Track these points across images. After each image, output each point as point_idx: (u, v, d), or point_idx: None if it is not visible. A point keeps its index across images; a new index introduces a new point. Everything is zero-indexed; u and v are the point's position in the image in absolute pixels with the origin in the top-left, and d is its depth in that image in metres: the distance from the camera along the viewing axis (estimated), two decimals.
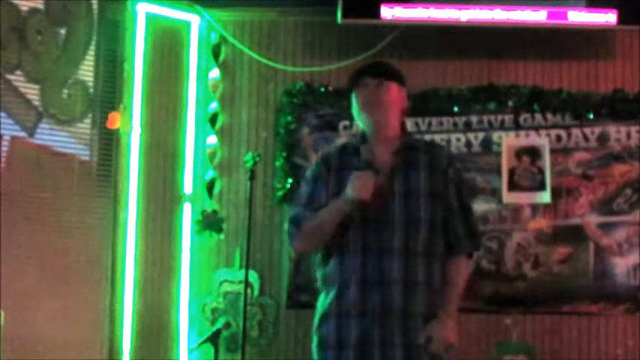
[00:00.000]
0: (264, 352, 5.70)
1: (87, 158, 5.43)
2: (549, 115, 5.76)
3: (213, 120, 5.85)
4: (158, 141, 5.68)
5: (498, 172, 5.72)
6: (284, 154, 5.76)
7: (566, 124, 5.76)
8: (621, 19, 5.55)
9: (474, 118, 5.77)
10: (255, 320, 5.69)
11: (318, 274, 3.16)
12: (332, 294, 3.06)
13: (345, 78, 5.85)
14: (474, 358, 5.47)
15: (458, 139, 5.74)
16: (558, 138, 5.75)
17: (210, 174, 5.82)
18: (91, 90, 5.45)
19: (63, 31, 5.35)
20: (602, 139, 5.74)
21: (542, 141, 5.74)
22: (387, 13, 5.58)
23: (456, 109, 5.76)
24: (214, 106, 5.87)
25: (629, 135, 5.74)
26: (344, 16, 5.55)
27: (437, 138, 5.72)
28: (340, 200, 3.01)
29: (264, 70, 5.86)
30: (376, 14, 5.58)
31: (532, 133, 5.76)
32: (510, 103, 5.77)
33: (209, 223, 5.74)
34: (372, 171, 3.01)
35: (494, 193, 5.71)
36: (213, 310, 5.71)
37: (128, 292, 5.46)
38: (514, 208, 5.72)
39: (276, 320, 5.73)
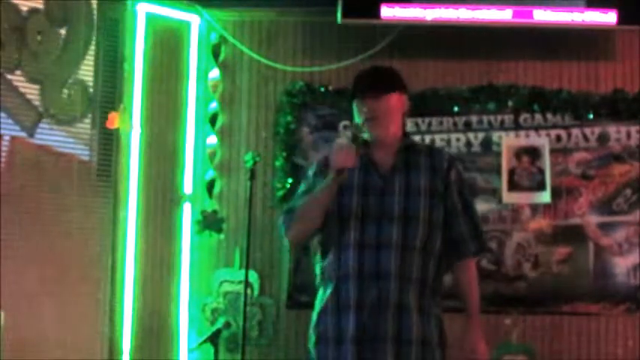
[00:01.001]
0: (264, 352, 5.70)
1: (87, 158, 5.43)
2: (549, 115, 5.76)
3: (213, 120, 5.86)
4: (158, 141, 5.69)
5: (498, 172, 5.72)
6: (284, 154, 5.76)
7: (566, 124, 5.76)
8: (621, 19, 5.55)
9: (473, 118, 5.77)
10: (255, 320, 5.69)
11: (317, 270, 3.18)
12: (329, 289, 3.10)
13: (345, 78, 5.92)
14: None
15: (458, 139, 5.74)
16: (558, 138, 5.75)
17: (210, 174, 5.83)
18: (91, 90, 5.45)
19: (63, 31, 5.34)
20: (602, 139, 5.74)
21: (542, 141, 5.74)
22: (387, 13, 5.58)
23: (455, 109, 5.76)
24: (214, 106, 5.87)
25: (629, 135, 5.74)
26: (344, 16, 5.55)
27: (437, 138, 5.72)
28: (325, 180, 3.04)
29: (264, 70, 5.86)
30: (376, 14, 5.57)
31: (532, 133, 5.76)
32: (510, 103, 5.77)
33: (209, 223, 5.74)
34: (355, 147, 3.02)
35: (494, 193, 5.71)
36: (213, 310, 5.71)
37: (128, 292, 5.46)
38: (514, 208, 5.72)
39: (276, 320, 5.73)
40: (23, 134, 5.16)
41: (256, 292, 5.70)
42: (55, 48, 5.30)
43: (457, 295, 3.17)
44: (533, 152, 5.72)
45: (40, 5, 5.24)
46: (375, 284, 3.01)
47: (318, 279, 3.19)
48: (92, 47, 5.45)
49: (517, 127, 5.77)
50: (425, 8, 5.58)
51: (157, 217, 5.64)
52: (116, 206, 5.49)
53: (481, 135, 5.76)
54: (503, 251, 5.70)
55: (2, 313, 4.68)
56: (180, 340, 5.65)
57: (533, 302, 5.66)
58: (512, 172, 5.71)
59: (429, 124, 5.76)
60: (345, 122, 5.76)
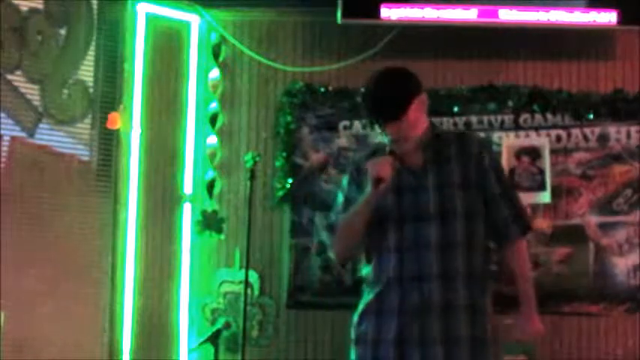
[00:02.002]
0: (264, 352, 5.70)
1: (87, 158, 5.43)
2: (549, 115, 5.76)
3: (213, 120, 5.85)
4: (158, 141, 5.68)
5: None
6: (284, 154, 5.76)
7: (566, 124, 5.76)
8: (621, 19, 5.55)
9: (473, 118, 5.77)
10: (255, 320, 5.69)
11: (362, 273, 3.17)
12: (372, 293, 3.07)
13: (345, 78, 5.93)
14: None
15: None
16: (558, 138, 5.75)
17: (210, 174, 5.82)
18: (91, 90, 5.45)
19: (63, 31, 5.34)
20: (602, 139, 5.73)
21: (542, 141, 5.73)
22: (387, 13, 5.58)
23: (455, 109, 5.76)
24: (214, 106, 5.87)
25: (629, 135, 5.74)
26: (344, 16, 5.55)
27: None
28: (365, 194, 3.01)
29: (264, 70, 5.86)
30: (376, 14, 5.57)
31: (532, 133, 5.76)
32: (510, 103, 5.76)
33: (209, 223, 5.74)
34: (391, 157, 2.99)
35: None
36: (213, 311, 5.71)
37: (128, 292, 5.45)
38: None
39: (276, 320, 5.73)
40: (23, 134, 5.16)
41: (256, 292, 5.70)
42: (55, 48, 5.31)
43: (509, 280, 3.14)
44: (533, 152, 5.72)
45: (40, 5, 5.24)
46: (417, 287, 2.99)
47: (363, 286, 3.16)
48: (92, 47, 5.45)
49: (517, 127, 5.77)
50: (425, 8, 5.58)
51: (157, 217, 5.64)
52: (116, 206, 5.49)
53: (481, 135, 5.76)
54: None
55: (2, 313, 4.68)
56: (180, 340, 5.65)
57: None
58: (512, 172, 5.70)
59: None
60: (345, 122, 5.76)
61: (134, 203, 5.54)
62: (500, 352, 3.08)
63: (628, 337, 5.64)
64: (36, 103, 5.21)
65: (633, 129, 5.73)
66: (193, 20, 5.81)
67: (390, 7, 5.57)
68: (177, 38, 5.78)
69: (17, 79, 5.14)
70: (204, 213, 5.74)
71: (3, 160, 5.06)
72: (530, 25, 5.60)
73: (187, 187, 5.75)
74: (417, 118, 3.08)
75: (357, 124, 5.76)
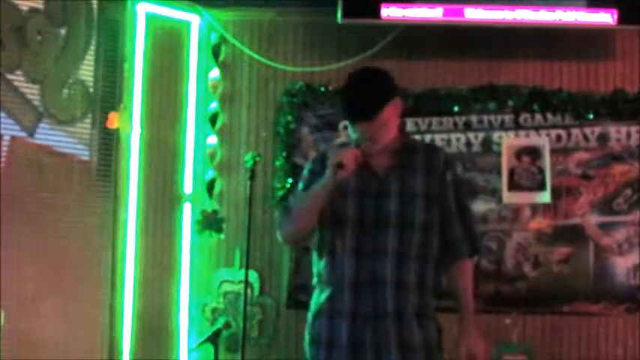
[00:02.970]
0: (264, 352, 5.70)
1: (87, 158, 5.43)
2: (549, 115, 5.76)
3: (213, 120, 5.86)
4: (158, 141, 5.69)
5: (498, 172, 5.72)
6: (284, 154, 5.76)
7: (566, 124, 5.76)
8: (621, 19, 5.55)
9: (473, 118, 5.77)
10: (255, 320, 5.69)
11: (314, 270, 3.17)
12: (325, 294, 3.09)
13: (345, 78, 5.89)
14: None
15: (458, 139, 5.74)
16: (558, 138, 5.75)
17: (210, 174, 5.83)
18: (91, 90, 5.45)
19: (63, 31, 5.34)
20: (602, 139, 5.73)
21: (542, 141, 5.73)
22: (387, 13, 5.58)
23: (456, 109, 5.76)
24: (214, 106, 5.87)
25: (629, 135, 5.74)
26: (344, 16, 5.55)
27: (437, 138, 5.72)
28: (324, 178, 3.00)
29: (264, 70, 5.87)
30: (376, 14, 5.57)
31: (532, 133, 5.76)
32: (510, 103, 5.76)
33: (209, 223, 5.74)
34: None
35: (494, 193, 5.71)
36: (213, 310, 5.71)
37: (128, 292, 5.46)
38: (514, 208, 5.72)
39: (276, 320, 5.73)
40: (23, 134, 5.16)
41: (256, 292, 5.70)
42: (55, 48, 5.31)
43: (452, 295, 3.15)
44: (533, 152, 5.72)
45: (40, 5, 5.24)
46: (371, 292, 2.99)
47: (314, 280, 3.18)
48: (92, 47, 5.45)
49: (517, 127, 5.77)
50: (425, 8, 5.58)
51: (157, 217, 5.65)
52: (116, 206, 5.49)
53: (481, 135, 5.76)
54: (504, 251, 5.70)
55: (2, 313, 4.68)
56: (180, 340, 5.65)
57: (533, 302, 5.65)
58: (512, 172, 5.70)
59: (429, 124, 5.76)
60: (345, 122, 5.75)
61: (134, 203, 5.54)
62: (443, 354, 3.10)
63: (628, 337, 5.64)
64: (36, 103, 5.21)
65: (633, 129, 5.73)
66: (193, 20, 5.81)
67: (390, 7, 5.57)
68: (177, 38, 5.79)
69: (17, 79, 5.14)
70: (204, 213, 5.74)
71: (3, 160, 5.06)
72: (530, 25, 5.60)
73: (187, 187, 5.76)
74: (390, 121, 3.04)
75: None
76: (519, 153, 5.73)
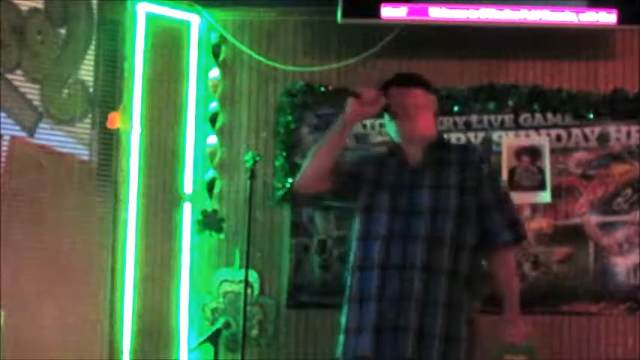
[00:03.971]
0: (264, 352, 5.70)
1: (87, 158, 5.43)
2: (549, 115, 5.76)
3: (213, 120, 5.85)
4: (158, 141, 5.69)
5: (498, 172, 5.71)
6: (284, 153, 5.76)
7: (566, 124, 5.76)
8: (621, 19, 5.55)
9: (473, 118, 5.77)
10: (255, 320, 5.69)
11: (348, 260, 3.22)
12: (354, 278, 3.13)
13: (345, 78, 5.93)
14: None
15: (458, 139, 5.74)
16: (558, 138, 5.75)
17: (210, 174, 5.83)
18: (91, 90, 5.45)
19: (63, 31, 5.34)
20: (602, 139, 5.73)
21: (542, 141, 5.74)
22: (387, 13, 5.58)
23: (456, 108, 5.76)
24: (214, 105, 5.87)
25: (629, 135, 5.74)
26: (344, 16, 5.55)
27: None
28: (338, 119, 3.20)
29: (264, 70, 5.86)
30: (376, 14, 5.57)
31: (532, 133, 5.76)
32: (510, 103, 5.76)
33: (209, 222, 5.74)
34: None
35: None
36: (213, 310, 5.71)
37: (128, 292, 5.46)
38: None
39: (276, 320, 5.73)
40: (23, 134, 5.17)
41: (256, 292, 5.70)
42: (55, 48, 5.31)
43: (495, 288, 3.15)
44: (533, 152, 5.72)
45: (40, 5, 5.24)
46: (399, 275, 3.02)
47: (347, 268, 3.22)
48: (92, 47, 5.45)
49: (517, 127, 5.77)
50: (425, 8, 5.58)
51: (157, 216, 5.64)
52: (116, 206, 5.49)
53: (481, 135, 5.76)
54: None
55: (2, 313, 4.68)
56: (180, 340, 5.65)
57: (533, 302, 5.65)
58: (512, 172, 5.70)
59: None
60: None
61: (134, 203, 5.54)
62: (475, 350, 3.08)
63: (628, 337, 5.64)
64: (36, 102, 5.21)
65: (633, 129, 5.73)
66: (193, 20, 5.81)
67: (390, 7, 5.57)
68: (178, 38, 5.79)
69: (17, 79, 5.14)
70: (204, 212, 5.74)
71: (3, 160, 5.06)
72: (530, 25, 5.60)
73: (187, 187, 5.76)
74: (424, 106, 3.21)
75: (357, 124, 5.76)
76: (519, 153, 5.73)
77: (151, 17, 5.65)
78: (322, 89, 5.80)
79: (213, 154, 5.84)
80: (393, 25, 5.67)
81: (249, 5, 5.85)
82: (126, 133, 5.51)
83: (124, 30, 5.57)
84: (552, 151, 5.72)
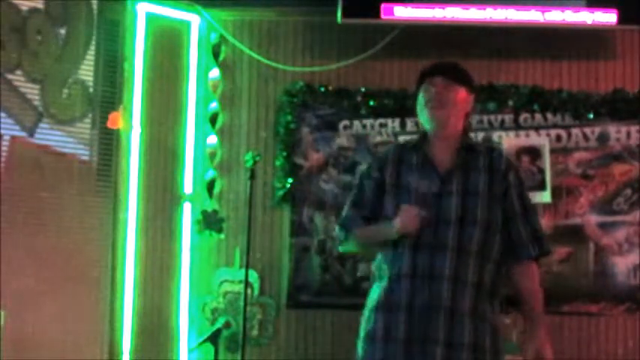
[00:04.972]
0: (264, 352, 5.70)
1: (87, 158, 5.43)
2: (549, 115, 5.76)
3: (213, 120, 5.86)
4: (158, 141, 5.69)
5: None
6: (284, 153, 5.76)
7: (566, 124, 5.76)
8: (621, 19, 5.55)
9: (473, 118, 5.76)
10: (255, 320, 5.69)
11: (373, 266, 3.20)
12: (382, 287, 3.09)
13: (345, 78, 5.92)
14: None
15: None
16: (558, 138, 5.75)
17: (210, 174, 5.83)
18: (91, 90, 5.45)
19: (63, 31, 5.35)
20: (602, 139, 5.73)
21: (542, 141, 5.74)
22: (387, 13, 5.58)
23: None
24: (214, 105, 5.87)
25: (629, 135, 5.74)
26: (344, 16, 5.55)
27: None
28: (388, 228, 3.05)
29: (264, 70, 5.87)
30: (376, 14, 5.58)
31: (532, 133, 5.76)
32: (510, 103, 5.77)
33: (209, 222, 5.74)
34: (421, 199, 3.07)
35: None
36: (213, 310, 5.71)
37: (128, 292, 5.46)
38: None
39: (276, 320, 5.73)
40: (23, 134, 5.17)
41: (256, 292, 5.70)
42: (55, 48, 5.31)
43: (518, 299, 3.12)
44: (533, 152, 5.72)
45: (40, 5, 5.24)
46: (428, 286, 2.99)
47: (373, 275, 3.19)
48: (92, 47, 5.45)
49: (517, 127, 5.77)
50: (425, 8, 5.58)
51: (157, 216, 5.65)
52: (116, 206, 5.49)
53: (481, 135, 5.76)
54: None
55: (2, 313, 4.69)
56: (180, 340, 5.65)
57: None
58: None
59: None
60: (345, 122, 5.77)
61: (134, 203, 5.54)
62: None
63: (628, 337, 5.64)
64: (36, 102, 5.21)
65: (633, 129, 5.73)
66: (193, 20, 5.81)
67: (390, 7, 5.57)
68: (178, 38, 5.79)
69: (17, 78, 5.15)
70: (204, 213, 5.74)
71: (3, 160, 5.06)
72: (530, 25, 5.60)
73: (187, 187, 5.76)
74: (462, 104, 3.14)
75: (357, 124, 5.77)
76: (519, 153, 5.73)
77: (150, 17, 5.66)
78: (322, 89, 5.80)
79: (213, 154, 5.84)
80: (393, 25, 5.67)
81: (249, 5, 5.85)
82: (126, 133, 5.51)
83: (124, 30, 5.57)
84: (552, 151, 5.72)
